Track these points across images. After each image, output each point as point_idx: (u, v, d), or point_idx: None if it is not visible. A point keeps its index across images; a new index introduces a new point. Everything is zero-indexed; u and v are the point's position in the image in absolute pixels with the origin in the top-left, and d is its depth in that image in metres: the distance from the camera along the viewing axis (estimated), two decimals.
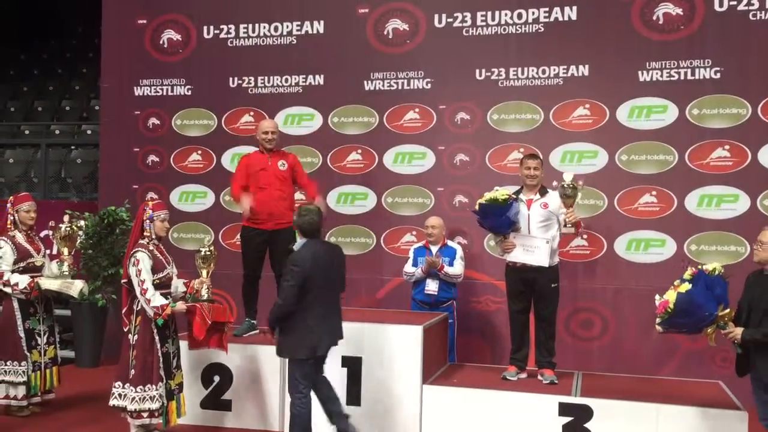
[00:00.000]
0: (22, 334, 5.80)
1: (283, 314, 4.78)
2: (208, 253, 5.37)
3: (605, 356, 6.73)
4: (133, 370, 5.00)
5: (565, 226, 5.50)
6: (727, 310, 4.43)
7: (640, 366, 6.50)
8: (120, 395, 5.03)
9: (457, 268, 6.46)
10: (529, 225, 5.50)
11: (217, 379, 5.67)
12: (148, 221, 5.14)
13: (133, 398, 4.97)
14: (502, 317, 6.57)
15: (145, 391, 4.98)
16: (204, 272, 5.35)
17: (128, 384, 5.01)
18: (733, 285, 4.55)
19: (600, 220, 6.84)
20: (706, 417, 4.86)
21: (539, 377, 5.55)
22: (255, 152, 6.20)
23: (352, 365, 5.42)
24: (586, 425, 4.99)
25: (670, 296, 4.44)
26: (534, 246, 5.45)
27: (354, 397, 5.41)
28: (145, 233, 5.14)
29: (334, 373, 5.43)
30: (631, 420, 4.95)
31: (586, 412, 5.00)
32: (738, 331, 4.40)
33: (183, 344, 5.34)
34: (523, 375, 5.65)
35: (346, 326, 5.41)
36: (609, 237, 6.85)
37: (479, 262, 7.04)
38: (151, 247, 5.10)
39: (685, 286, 4.44)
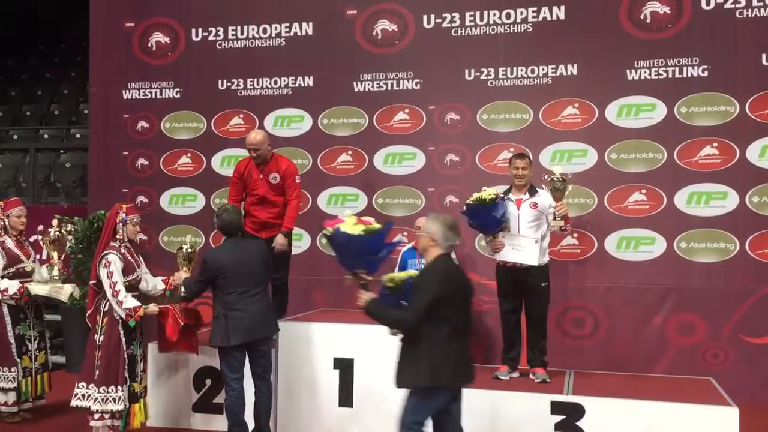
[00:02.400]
0: (12, 340, 5.78)
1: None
2: (190, 251, 5.46)
3: (597, 354, 6.74)
4: (98, 371, 5.04)
5: (554, 219, 5.51)
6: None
7: (631, 364, 6.53)
8: (83, 396, 5.09)
9: None
10: (519, 224, 5.51)
11: (209, 382, 5.65)
12: (120, 224, 5.20)
13: (96, 399, 5.02)
14: (493, 317, 6.57)
15: (108, 392, 5.02)
16: (184, 269, 5.44)
17: (92, 384, 5.06)
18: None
19: (590, 218, 6.86)
20: (698, 413, 4.87)
21: (531, 376, 5.56)
22: (249, 158, 6.08)
23: (344, 366, 5.42)
24: (578, 423, 4.99)
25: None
26: (523, 245, 5.47)
27: (346, 399, 5.41)
28: (117, 236, 5.20)
29: (326, 375, 5.43)
30: (623, 418, 4.96)
31: (578, 411, 5.01)
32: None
33: (151, 348, 5.45)
34: (515, 374, 5.66)
35: (339, 328, 5.44)
36: (599, 235, 6.87)
37: (470, 262, 7.04)
38: (122, 250, 5.16)
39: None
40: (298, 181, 6.09)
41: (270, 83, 7.76)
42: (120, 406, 5.05)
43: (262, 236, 5.92)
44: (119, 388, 5.05)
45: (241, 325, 5.02)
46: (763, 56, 6.55)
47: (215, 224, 5.29)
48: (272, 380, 5.43)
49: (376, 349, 5.41)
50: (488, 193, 5.48)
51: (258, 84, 7.79)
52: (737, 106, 6.59)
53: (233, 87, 7.84)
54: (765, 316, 6.46)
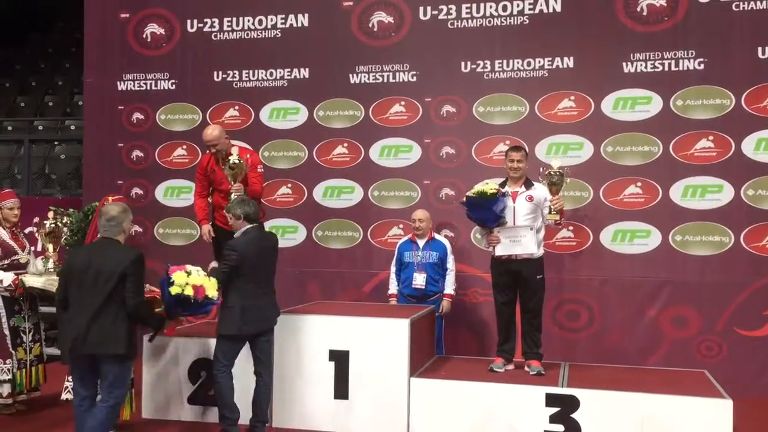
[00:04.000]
0: (7, 332, 5.76)
1: None
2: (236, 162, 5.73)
3: (591, 347, 6.76)
4: None
5: (549, 212, 5.51)
6: None
7: (626, 356, 6.55)
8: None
9: (451, 266, 6.57)
10: (515, 217, 5.52)
11: (203, 374, 5.65)
12: None
13: None
14: (489, 309, 6.58)
15: None
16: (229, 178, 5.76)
17: None
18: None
19: (585, 211, 6.87)
20: (692, 406, 4.89)
21: (526, 368, 5.58)
22: (210, 154, 6.02)
23: (340, 358, 5.43)
24: (573, 415, 5.01)
25: None
26: (520, 236, 5.48)
27: (341, 391, 5.41)
28: None
29: (322, 367, 5.44)
30: (617, 410, 4.98)
31: (572, 403, 5.03)
32: None
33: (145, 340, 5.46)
34: (510, 366, 5.67)
35: (334, 320, 5.45)
36: (595, 228, 6.87)
37: (466, 254, 7.05)
38: None
39: None
40: (261, 170, 6.07)
41: (266, 75, 7.73)
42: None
43: (229, 229, 5.70)
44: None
45: (256, 316, 5.06)
46: (759, 50, 6.55)
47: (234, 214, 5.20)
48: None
49: (372, 341, 5.42)
50: (490, 186, 5.47)
51: (254, 76, 7.76)
52: (733, 99, 6.60)
53: (229, 79, 7.81)
54: (759, 309, 6.48)
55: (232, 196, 5.66)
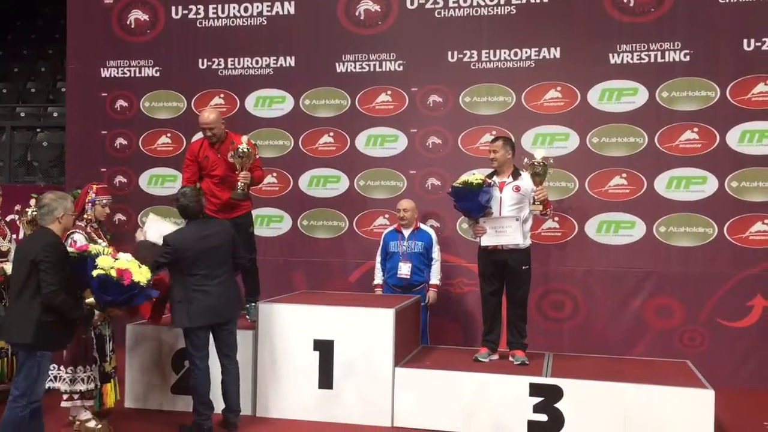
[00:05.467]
0: None
1: None
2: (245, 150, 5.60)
3: (576, 337, 6.80)
4: (65, 351, 4.99)
5: (533, 203, 5.52)
6: None
7: (610, 346, 6.59)
8: (54, 377, 5.08)
9: (436, 256, 6.57)
10: (501, 208, 5.52)
11: (187, 364, 5.61)
12: (89, 204, 5.21)
13: (65, 379, 5.00)
14: (474, 300, 6.60)
15: (76, 372, 5.00)
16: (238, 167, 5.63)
17: (61, 365, 5.03)
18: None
19: (571, 202, 6.89)
20: (674, 396, 4.93)
21: (510, 358, 5.59)
22: (203, 139, 5.89)
23: (324, 348, 5.42)
24: (557, 405, 5.04)
25: None
26: (505, 226, 5.48)
27: (326, 380, 5.41)
28: (85, 215, 5.21)
29: (306, 356, 5.43)
30: (600, 399, 5.01)
31: (556, 393, 5.05)
32: None
33: (129, 329, 5.52)
34: (495, 356, 5.69)
35: (319, 309, 5.43)
36: (580, 219, 6.89)
37: (452, 244, 7.05)
38: (88, 230, 5.19)
39: None
40: (258, 156, 5.98)
41: (251, 63, 7.67)
42: (90, 386, 5.03)
43: (224, 217, 5.74)
44: (87, 367, 5.02)
45: (204, 307, 5.01)
46: (744, 42, 6.58)
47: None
48: (245, 360, 5.42)
49: (356, 330, 5.41)
50: (476, 177, 5.48)
51: (239, 63, 7.70)
52: (718, 91, 6.62)
53: (214, 66, 7.75)
54: (741, 300, 6.54)
55: (239, 184, 5.62)
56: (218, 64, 7.74)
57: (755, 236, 6.54)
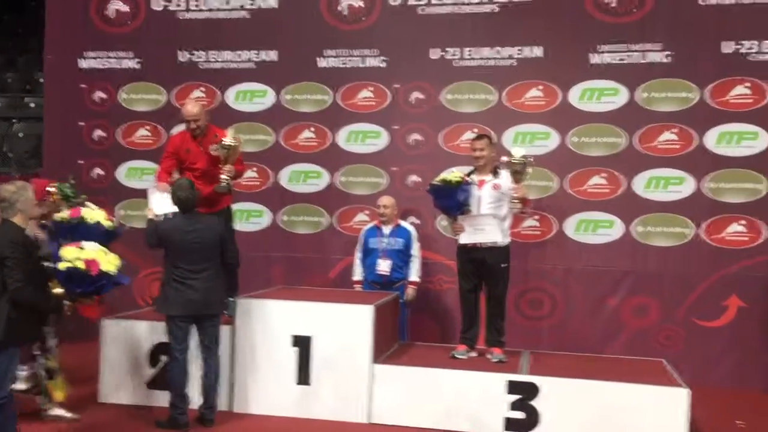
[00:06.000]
0: None
1: None
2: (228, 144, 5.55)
3: (553, 335, 6.83)
4: None
5: (511, 201, 5.52)
6: None
7: (587, 344, 6.62)
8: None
9: (416, 253, 6.56)
10: (480, 205, 5.52)
11: (164, 359, 5.57)
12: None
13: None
14: (453, 297, 6.60)
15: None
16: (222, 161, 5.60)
17: None
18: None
19: (550, 201, 6.91)
20: (650, 394, 4.96)
21: (488, 356, 5.60)
22: (184, 132, 5.82)
23: (302, 344, 5.39)
24: (533, 403, 5.05)
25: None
26: (483, 224, 5.49)
27: (303, 376, 5.38)
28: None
29: (284, 352, 5.40)
30: (576, 397, 5.03)
31: (533, 390, 5.07)
32: None
33: (105, 324, 5.52)
34: (473, 354, 5.69)
35: (297, 305, 5.40)
36: (559, 218, 6.92)
37: (432, 241, 7.05)
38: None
39: None
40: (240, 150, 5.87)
41: (233, 56, 7.61)
42: (30, 385, 5.03)
43: (205, 211, 5.61)
44: (26, 366, 4.97)
45: (184, 300, 5.02)
46: (724, 44, 6.63)
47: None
48: (222, 356, 5.38)
49: (335, 326, 5.40)
50: (454, 175, 5.48)
51: (220, 57, 7.64)
52: (697, 92, 6.68)
53: (194, 59, 7.68)
54: (717, 300, 6.60)
55: (223, 177, 5.57)
56: (199, 57, 7.67)
57: (731, 237, 6.61)
